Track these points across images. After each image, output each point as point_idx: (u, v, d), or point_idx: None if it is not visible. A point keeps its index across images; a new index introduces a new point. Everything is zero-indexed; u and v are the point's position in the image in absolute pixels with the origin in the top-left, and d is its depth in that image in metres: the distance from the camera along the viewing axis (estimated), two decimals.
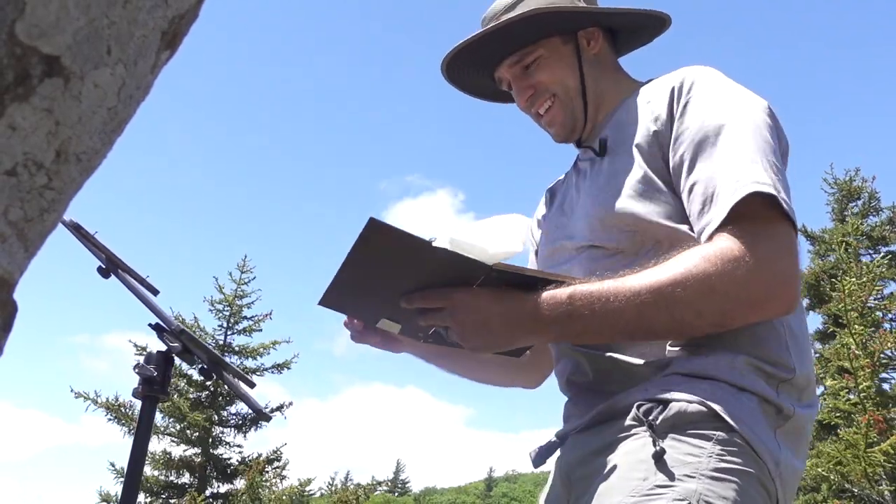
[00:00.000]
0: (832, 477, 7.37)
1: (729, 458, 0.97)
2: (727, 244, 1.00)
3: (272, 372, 10.21)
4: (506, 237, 1.12)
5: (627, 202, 1.15)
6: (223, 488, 9.60)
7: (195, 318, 9.83)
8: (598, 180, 1.23)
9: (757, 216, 1.01)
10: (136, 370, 1.22)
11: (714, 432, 0.98)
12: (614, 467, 1.01)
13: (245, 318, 10.40)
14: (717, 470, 0.95)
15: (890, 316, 9.41)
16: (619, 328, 1.02)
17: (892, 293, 9.95)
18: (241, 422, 9.84)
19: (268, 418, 1.35)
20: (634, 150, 1.18)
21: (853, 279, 7.77)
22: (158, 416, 9.12)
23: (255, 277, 10.60)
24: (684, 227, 1.11)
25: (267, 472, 9.27)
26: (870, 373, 7.06)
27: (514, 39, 1.27)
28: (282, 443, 9.91)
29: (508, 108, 1.45)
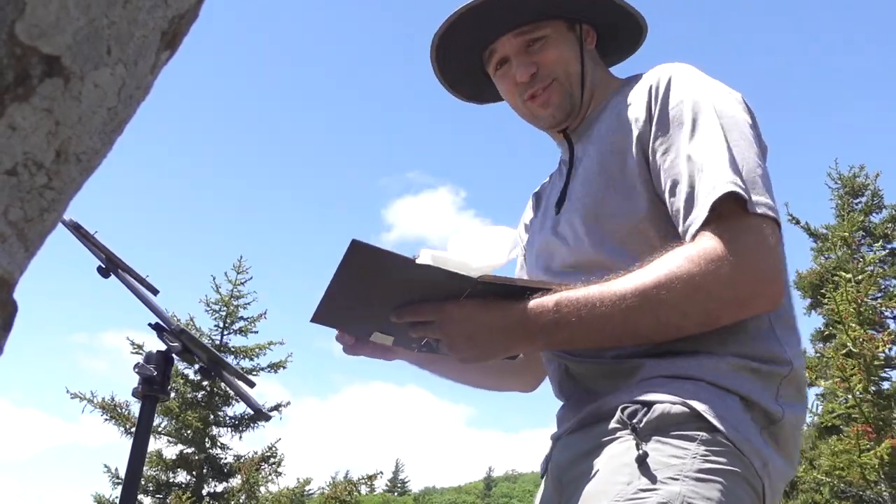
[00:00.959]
0: (830, 480, 7.38)
1: (713, 458, 0.96)
2: (710, 243, 1.00)
3: (268, 371, 10.22)
4: (489, 250, 1.13)
5: (611, 206, 1.15)
6: (220, 487, 9.61)
7: (191, 318, 9.82)
8: (581, 184, 1.23)
9: (738, 214, 1.01)
10: (136, 370, 1.22)
11: (698, 433, 0.98)
12: (600, 472, 1.01)
13: (241, 318, 10.40)
14: (701, 471, 0.95)
15: (888, 314, 9.42)
16: (607, 333, 1.03)
17: (893, 291, 9.95)
18: (237, 421, 9.85)
19: (267, 417, 1.35)
20: (617, 155, 1.18)
21: (850, 276, 7.77)
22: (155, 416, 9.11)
23: (251, 278, 10.60)
24: (668, 228, 1.11)
25: (263, 468, 9.27)
26: (864, 375, 7.07)
27: (525, 11, 1.25)
28: (276, 439, 9.87)
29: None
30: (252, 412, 1.32)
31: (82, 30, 0.42)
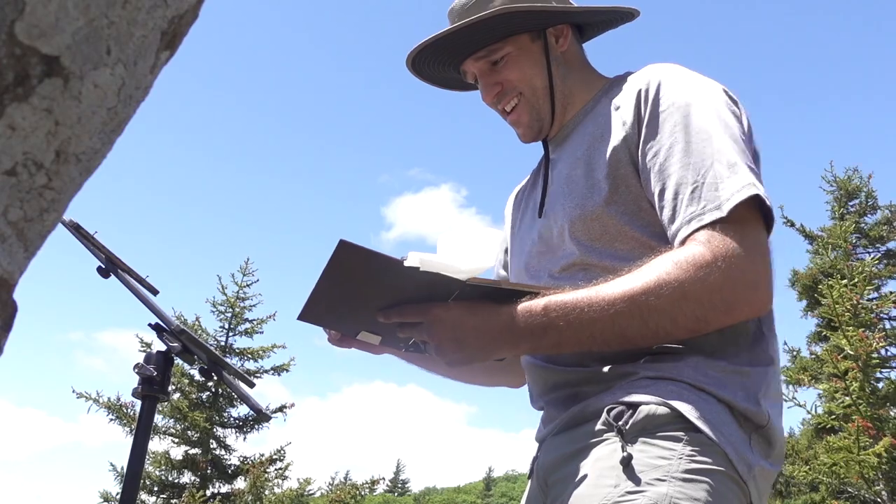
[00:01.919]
0: (829, 480, 7.38)
1: (700, 458, 0.97)
2: (699, 249, 1.00)
3: (271, 374, 10.24)
4: (477, 253, 1.13)
5: (595, 210, 1.15)
6: (224, 488, 9.61)
7: (197, 318, 9.83)
8: (566, 188, 1.23)
9: (729, 220, 1.01)
10: (136, 370, 1.22)
11: (684, 434, 0.98)
12: (586, 474, 1.01)
13: (246, 319, 10.41)
14: (687, 471, 0.95)
15: (884, 315, 9.42)
16: (595, 337, 1.02)
17: (889, 292, 9.96)
18: (242, 423, 9.86)
19: (268, 419, 1.35)
20: (601, 158, 1.17)
21: (843, 280, 7.78)
22: (159, 416, 9.11)
23: (257, 280, 10.60)
24: (654, 230, 1.11)
25: (269, 472, 9.28)
26: (860, 374, 7.08)
27: (483, 35, 1.26)
28: (285, 442, 9.87)
29: None
30: (254, 413, 1.32)
31: (82, 30, 0.42)
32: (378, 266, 1.04)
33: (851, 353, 7.15)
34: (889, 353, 8.50)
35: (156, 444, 9.34)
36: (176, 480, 9.45)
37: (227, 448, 9.81)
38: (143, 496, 9.17)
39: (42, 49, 0.41)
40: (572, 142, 1.27)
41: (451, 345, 1.07)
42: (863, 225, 11.32)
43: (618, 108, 1.19)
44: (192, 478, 9.45)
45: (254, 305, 10.52)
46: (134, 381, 1.23)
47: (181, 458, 9.41)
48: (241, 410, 10.00)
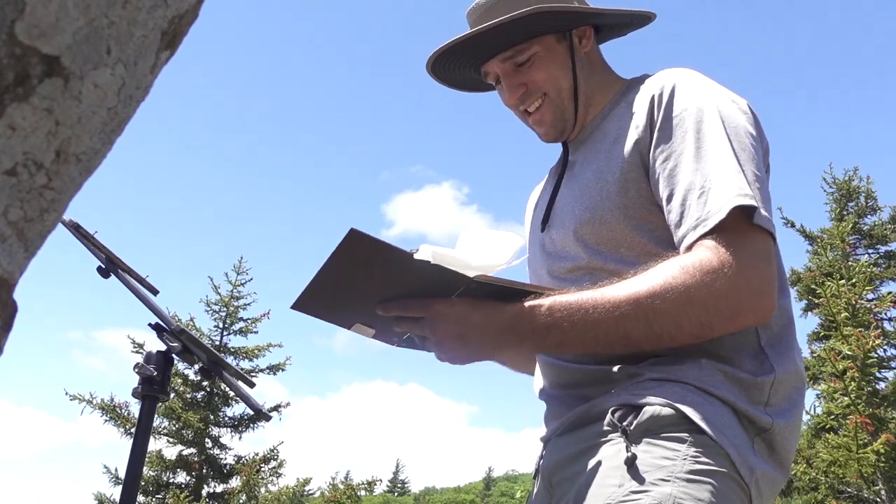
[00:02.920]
0: (828, 479, 7.39)
1: (703, 459, 0.97)
2: (706, 255, 1.00)
3: (267, 373, 10.23)
4: (492, 252, 1.11)
5: (605, 213, 1.15)
6: (220, 488, 9.61)
7: (191, 318, 9.82)
8: (578, 191, 1.23)
9: (735, 227, 1.01)
10: (136, 370, 1.22)
11: (688, 435, 0.99)
12: (591, 474, 1.02)
13: (241, 319, 10.40)
14: (691, 472, 0.96)
15: (882, 315, 9.44)
16: (599, 339, 1.02)
17: (888, 293, 9.98)
18: (237, 422, 9.85)
19: (268, 418, 1.35)
20: (614, 162, 1.18)
21: (842, 280, 7.81)
22: (155, 416, 9.10)
23: (251, 279, 10.59)
24: (662, 235, 1.12)
25: (263, 470, 9.27)
26: (858, 374, 7.09)
27: (509, 35, 1.25)
28: (278, 441, 9.88)
29: None
30: (252, 412, 1.32)
31: (82, 30, 0.42)
32: (387, 257, 1.01)
33: (849, 353, 7.16)
34: (888, 354, 8.51)
35: (150, 444, 9.33)
36: (171, 480, 9.44)
37: (222, 447, 9.80)
38: (138, 496, 9.16)
39: (42, 49, 0.41)
40: (590, 144, 1.28)
41: (454, 341, 1.06)
42: (862, 225, 11.34)
43: (633, 112, 1.20)
44: (187, 478, 9.45)
45: (248, 304, 10.50)
46: (133, 380, 1.23)
47: (175, 457, 9.40)
48: (237, 410, 9.99)
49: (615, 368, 1.10)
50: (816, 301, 7.76)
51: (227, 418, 9.89)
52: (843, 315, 7.39)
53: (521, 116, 1.34)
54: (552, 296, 1.05)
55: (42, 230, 0.45)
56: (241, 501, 8.91)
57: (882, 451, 6.49)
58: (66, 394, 8.62)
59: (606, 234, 1.15)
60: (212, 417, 9.71)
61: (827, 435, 7.39)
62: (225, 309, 10.34)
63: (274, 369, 10.18)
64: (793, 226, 11.08)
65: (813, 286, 9.71)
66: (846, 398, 7.26)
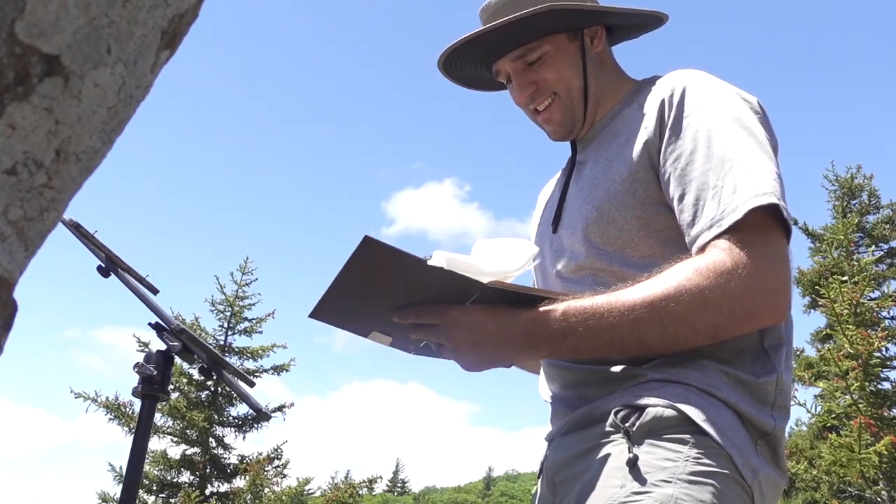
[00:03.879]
0: (830, 479, 7.39)
1: (705, 460, 0.97)
2: (720, 256, 1.00)
3: (271, 373, 10.24)
4: (506, 258, 1.11)
5: (613, 214, 1.15)
6: (223, 487, 9.62)
7: (196, 318, 9.83)
8: (586, 191, 1.23)
9: (749, 227, 1.01)
10: (136, 369, 1.22)
11: (690, 436, 0.99)
12: (593, 474, 1.02)
13: (246, 319, 10.41)
14: (693, 473, 0.96)
15: (885, 314, 9.43)
16: (614, 343, 1.02)
17: (892, 291, 9.97)
18: (241, 422, 9.86)
19: (268, 418, 1.35)
20: (624, 162, 1.17)
21: (845, 279, 7.80)
22: (158, 415, 9.11)
23: (256, 279, 10.59)
24: (670, 235, 1.11)
25: (268, 470, 9.28)
26: (860, 374, 7.08)
27: (520, 34, 1.25)
28: (282, 441, 9.89)
29: None
30: (254, 412, 1.32)
31: (82, 29, 0.42)
32: (401, 264, 1.01)
33: (852, 352, 7.15)
34: (890, 353, 8.50)
35: (154, 444, 9.34)
36: (174, 479, 9.45)
37: (226, 447, 9.81)
38: (142, 495, 9.17)
39: (42, 48, 0.41)
40: (599, 144, 1.28)
41: (469, 348, 1.06)
42: (865, 224, 11.33)
43: (643, 113, 1.19)
44: (191, 477, 9.46)
45: (253, 304, 10.51)
46: (132, 379, 1.23)
47: (179, 457, 9.41)
48: (241, 409, 10.00)
49: (618, 369, 1.10)
50: (819, 300, 7.74)
51: (231, 418, 9.91)
52: (846, 314, 7.39)
53: (530, 115, 1.34)
54: (566, 301, 1.05)
55: (42, 229, 0.45)
56: (246, 501, 8.92)
57: (885, 452, 6.49)
58: (71, 391, 8.63)
59: (613, 234, 1.15)
60: (216, 417, 9.72)
61: (830, 435, 7.39)
62: (230, 309, 10.34)
63: (278, 370, 10.19)
64: (795, 223, 11.08)
65: (817, 286, 9.71)
66: (848, 397, 7.25)
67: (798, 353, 10.33)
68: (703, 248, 1.03)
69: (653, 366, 1.07)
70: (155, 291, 1.32)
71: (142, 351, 9.11)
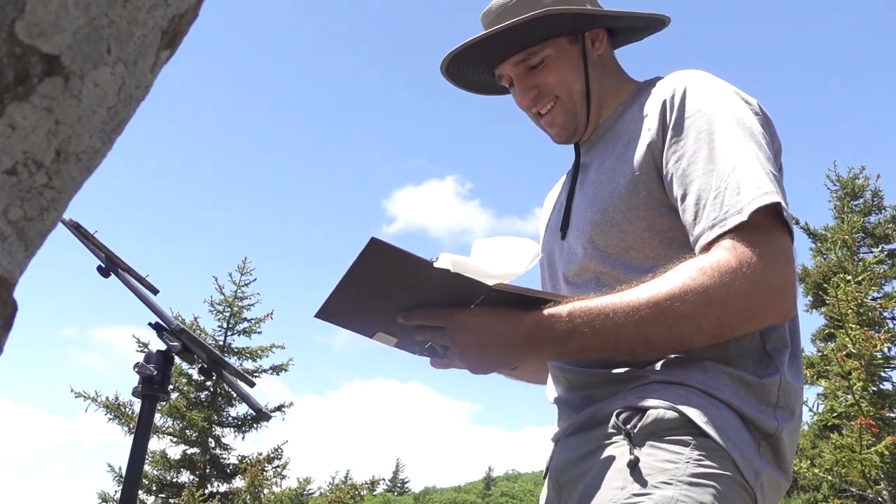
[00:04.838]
0: (831, 478, 7.39)
1: (707, 462, 0.97)
2: (724, 255, 1.00)
3: (270, 373, 10.25)
4: (510, 259, 1.11)
5: (617, 216, 1.15)
6: (223, 487, 9.62)
7: (195, 318, 9.83)
8: (591, 194, 1.23)
9: (753, 227, 1.01)
10: (136, 369, 1.22)
11: (692, 438, 0.99)
12: (595, 476, 1.02)
13: (245, 319, 10.41)
14: (694, 475, 0.96)
15: (887, 315, 9.43)
16: (620, 344, 1.02)
17: (893, 291, 9.97)
18: (241, 422, 9.86)
19: (268, 418, 1.35)
20: (627, 164, 1.18)
21: (849, 278, 7.80)
22: (157, 415, 9.11)
23: (255, 279, 10.60)
24: (673, 236, 1.12)
25: (267, 470, 9.28)
26: (863, 374, 7.08)
27: (521, 38, 1.25)
28: (282, 441, 9.89)
29: None
30: (253, 412, 1.32)
31: (82, 29, 0.42)
32: (407, 266, 1.02)
33: (855, 351, 7.15)
34: (893, 353, 8.50)
35: (154, 444, 9.34)
36: (174, 480, 9.45)
37: (225, 447, 9.81)
38: (142, 495, 9.17)
39: (42, 48, 0.41)
40: (602, 147, 1.28)
41: (476, 351, 1.06)
42: (867, 224, 11.33)
43: (645, 115, 1.20)
44: (191, 477, 9.46)
45: (252, 305, 10.51)
46: (132, 378, 1.23)
47: (179, 457, 9.41)
48: (240, 409, 10.01)
49: (621, 371, 1.10)
50: (827, 298, 7.75)
51: (230, 418, 9.91)
52: (850, 314, 7.38)
53: (533, 118, 1.34)
54: (571, 302, 1.05)
55: (42, 229, 0.45)
56: (245, 502, 8.92)
57: (887, 452, 6.49)
58: (72, 391, 8.64)
59: (617, 237, 1.15)
60: (215, 417, 9.72)
61: (831, 435, 7.38)
62: (229, 309, 10.35)
63: (277, 370, 10.20)
64: (797, 223, 11.07)
65: (824, 285, 9.71)
66: (850, 397, 7.25)
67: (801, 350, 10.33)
68: (706, 248, 1.03)
69: (655, 367, 1.07)
70: (155, 291, 1.32)
71: (141, 351, 9.11)
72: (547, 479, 1.22)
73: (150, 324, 1.24)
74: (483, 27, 1.31)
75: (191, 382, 9.71)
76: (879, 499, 7.14)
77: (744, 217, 1.00)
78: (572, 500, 1.05)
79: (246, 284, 10.56)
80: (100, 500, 9.17)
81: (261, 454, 9.56)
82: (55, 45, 0.41)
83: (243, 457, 9.75)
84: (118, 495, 9.13)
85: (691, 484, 0.95)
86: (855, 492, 7.56)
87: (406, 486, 64.68)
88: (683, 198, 1.09)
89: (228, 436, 9.94)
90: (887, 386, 7.96)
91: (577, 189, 1.30)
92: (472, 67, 1.35)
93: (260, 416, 1.29)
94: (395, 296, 1.07)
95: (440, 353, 1.14)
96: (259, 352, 10.16)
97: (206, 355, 1.25)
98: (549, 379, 1.29)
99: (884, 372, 7.86)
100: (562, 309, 1.04)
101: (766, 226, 1.02)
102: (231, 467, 9.68)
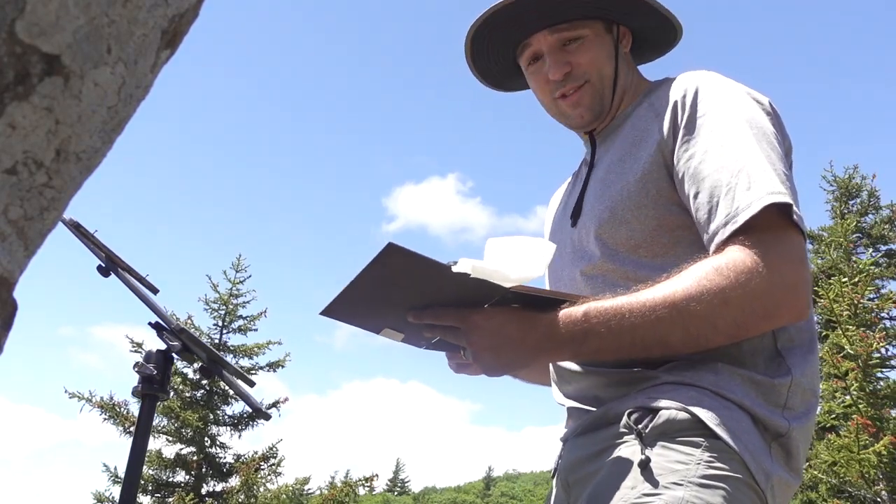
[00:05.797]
0: (828, 479, 7.40)
1: (718, 464, 0.97)
2: (739, 255, 1.00)
3: (266, 370, 10.22)
4: (526, 262, 1.10)
5: (626, 214, 1.15)
6: (219, 486, 9.60)
7: (189, 317, 9.80)
8: (600, 191, 1.24)
9: (767, 226, 1.01)
10: (136, 369, 1.22)
11: (703, 440, 0.99)
12: (605, 475, 1.02)
13: (240, 317, 10.39)
14: (705, 476, 0.95)
15: (884, 315, 9.44)
16: (636, 344, 1.02)
17: (890, 292, 9.97)
18: (237, 420, 9.85)
19: (267, 417, 1.35)
20: (637, 162, 1.18)
21: (844, 279, 7.80)
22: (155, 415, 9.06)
23: (250, 276, 10.58)
24: (683, 235, 1.12)
25: (262, 468, 9.27)
26: (860, 374, 7.09)
27: (565, 7, 1.24)
28: (277, 439, 9.88)
29: (531, 101, 1.40)
30: (251, 411, 1.32)
31: (82, 28, 0.42)
32: (424, 271, 1.01)
33: (851, 352, 7.16)
34: (889, 353, 8.51)
35: (149, 443, 9.31)
36: (170, 479, 9.43)
37: (221, 446, 9.79)
38: (139, 496, 9.16)
39: (42, 48, 0.41)
40: (613, 144, 1.28)
41: (491, 352, 1.05)
42: (864, 224, 11.34)
43: (656, 114, 1.20)
44: (186, 477, 9.44)
45: (247, 302, 10.50)
46: (131, 378, 1.23)
47: (174, 456, 9.39)
48: (236, 408, 9.99)
49: (632, 372, 1.10)
50: (818, 299, 7.75)
51: (226, 417, 9.89)
52: (845, 314, 7.40)
53: (551, 102, 1.32)
54: (587, 302, 1.04)
55: (42, 229, 0.45)
56: (239, 500, 8.91)
57: (884, 452, 6.49)
58: (66, 392, 8.61)
59: (626, 235, 1.15)
60: (211, 416, 9.70)
61: (829, 436, 7.39)
62: (224, 307, 10.33)
63: (274, 366, 10.18)
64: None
65: (815, 283, 9.72)
66: (847, 397, 7.26)
67: None
68: (720, 247, 1.03)
69: (666, 368, 1.07)
70: (155, 291, 1.32)
71: (135, 351, 9.09)
72: (555, 479, 1.21)
73: (150, 323, 1.24)
74: None
75: (186, 382, 9.70)
76: (878, 499, 7.14)
77: (754, 211, 1.00)
78: (581, 500, 1.04)
79: (241, 282, 10.54)
80: (95, 501, 9.14)
81: (256, 452, 9.55)
82: (55, 45, 0.41)
83: (239, 455, 9.73)
84: (114, 495, 9.12)
85: (702, 485, 0.94)
86: (853, 492, 7.56)
87: (406, 485, 64.65)
88: (696, 196, 1.09)
89: (224, 435, 9.92)
90: (882, 385, 7.98)
91: (589, 184, 1.30)
92: (501, 35, 1.32)
93: (259, 415, 1.29)
94: (406, 296, 1.07)
95: (444, 348, 1.13)
96: (255, 349, 10.14)
97: (206, 355, 1.25)
98: (555, 380, 1.29)
99: (880, 372, 7.87)
100: (577, 309, 1.03)
101: (779, 226, 1.02)
102: (227, 466, 9.67)
